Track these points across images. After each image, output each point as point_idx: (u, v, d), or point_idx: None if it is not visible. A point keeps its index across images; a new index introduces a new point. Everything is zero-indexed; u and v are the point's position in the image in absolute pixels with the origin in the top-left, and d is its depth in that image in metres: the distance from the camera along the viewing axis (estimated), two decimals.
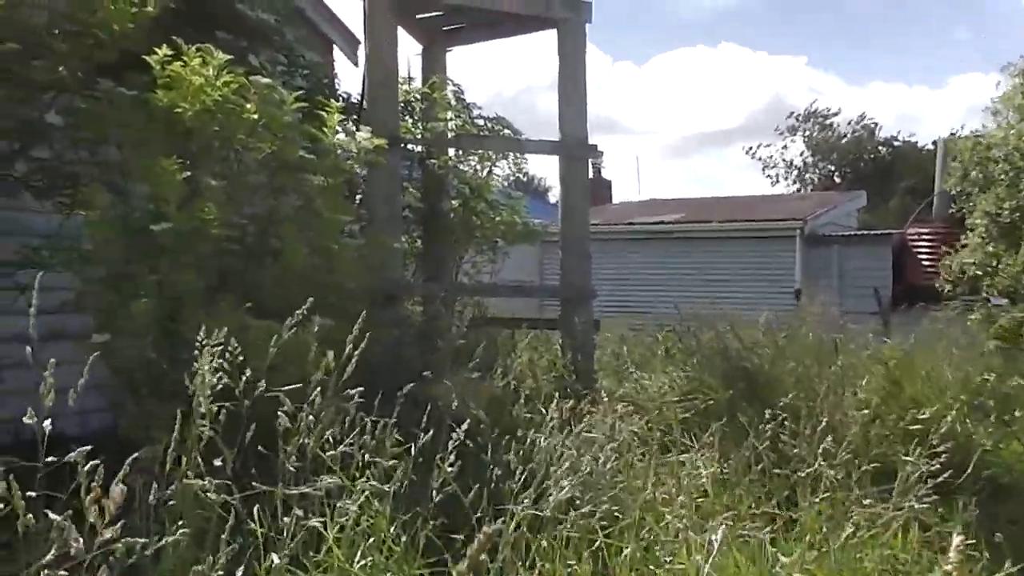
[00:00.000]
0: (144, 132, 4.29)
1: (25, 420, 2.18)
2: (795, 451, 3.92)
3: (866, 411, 5.19)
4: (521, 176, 9.67)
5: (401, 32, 7.27)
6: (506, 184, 9.45)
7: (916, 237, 17.45)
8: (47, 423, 2.19)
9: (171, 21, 4.65)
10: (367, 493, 3.01)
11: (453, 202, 8.24)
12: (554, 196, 34.07)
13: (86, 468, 2.07)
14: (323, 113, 5.09)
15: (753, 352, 6.62)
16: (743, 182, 78.28)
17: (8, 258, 4.43)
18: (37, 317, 2.52)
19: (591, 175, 14.22)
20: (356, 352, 3.21)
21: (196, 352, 2.97)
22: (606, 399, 4.15)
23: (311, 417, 3.00)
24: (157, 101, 4.27)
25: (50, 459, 2.24)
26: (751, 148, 45.43)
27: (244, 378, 2.99)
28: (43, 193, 4.63)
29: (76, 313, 4.21)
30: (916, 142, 35.52)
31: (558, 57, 7.44)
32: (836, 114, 36.58)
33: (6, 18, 4.01)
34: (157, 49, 4.30)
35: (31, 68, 4.14)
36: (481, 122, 8.56)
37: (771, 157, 37.71)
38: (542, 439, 3.55)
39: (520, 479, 3.28)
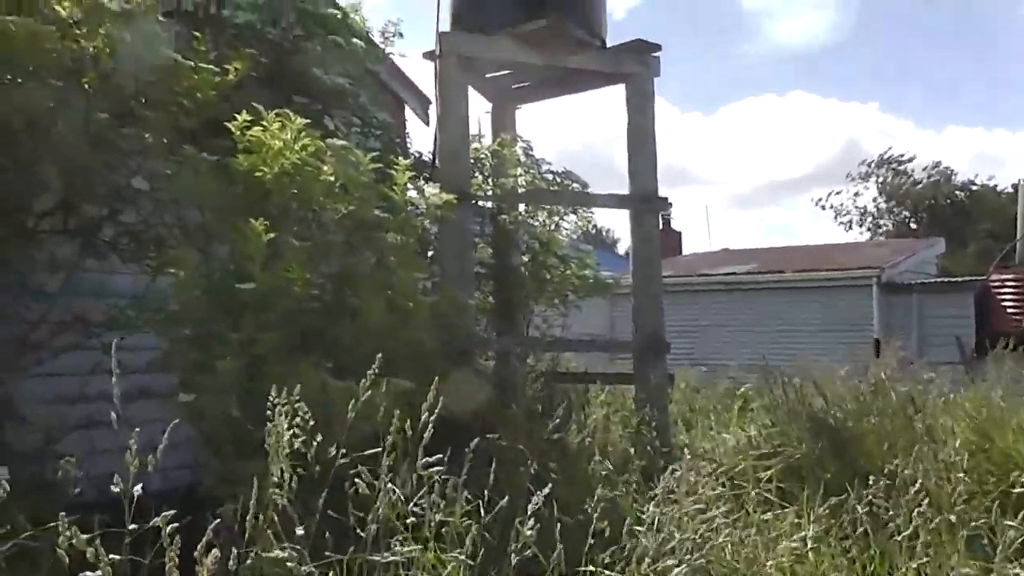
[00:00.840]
0: (225, 195, 4.41)
1: (113, 488, 2.22)
2: (890, 513, 3.73)
3: (948, 471, 4.94)
4: (590, 229, 9.63)
5: (471, 91, 7.38)
6: (575, 237, 9.43)
7: (999, 284, 16.82)
8: (137, 488, 2.23)
9: (250, 87, 4.81)
10: (443, 557, 2.96)
11: (523, 256, 8.26)
12: (623, 247, 34.07)
13: (168, 532, 2.10)
14: (393, 172, 5.17)
15: (836, 407, 6.39)
16: (815, 230, 76.85)
17: (97, 319, 4.57)
18: (125, 377, 2.58)
19: (660, 226, 14.10)
20: (432, 416, 3.18)
21: (272, 412, 2.99)
22: (688, 456, 4.03)
23: (390, 484, 2.98)
24: (238, 165, 4.40)
25: (135, 525, 2.27)
26: (820, 199, 44.81)
27: (319, 440, 2.99)
28: (130, 256, 4.77)
29: (162, 372, 4.30)
30: (995, 185, 34.60)
31: (627, 110, 7.45)
32: (911, 160, 35.92)
33: (100, 89, 4.19)
34: (237, 114, 4.44)
35: (120, 136, 4.30)
36: (550, 177, 8.58)
37: (842, 204, 37.12)
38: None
39: (597, 539, 3.20)
